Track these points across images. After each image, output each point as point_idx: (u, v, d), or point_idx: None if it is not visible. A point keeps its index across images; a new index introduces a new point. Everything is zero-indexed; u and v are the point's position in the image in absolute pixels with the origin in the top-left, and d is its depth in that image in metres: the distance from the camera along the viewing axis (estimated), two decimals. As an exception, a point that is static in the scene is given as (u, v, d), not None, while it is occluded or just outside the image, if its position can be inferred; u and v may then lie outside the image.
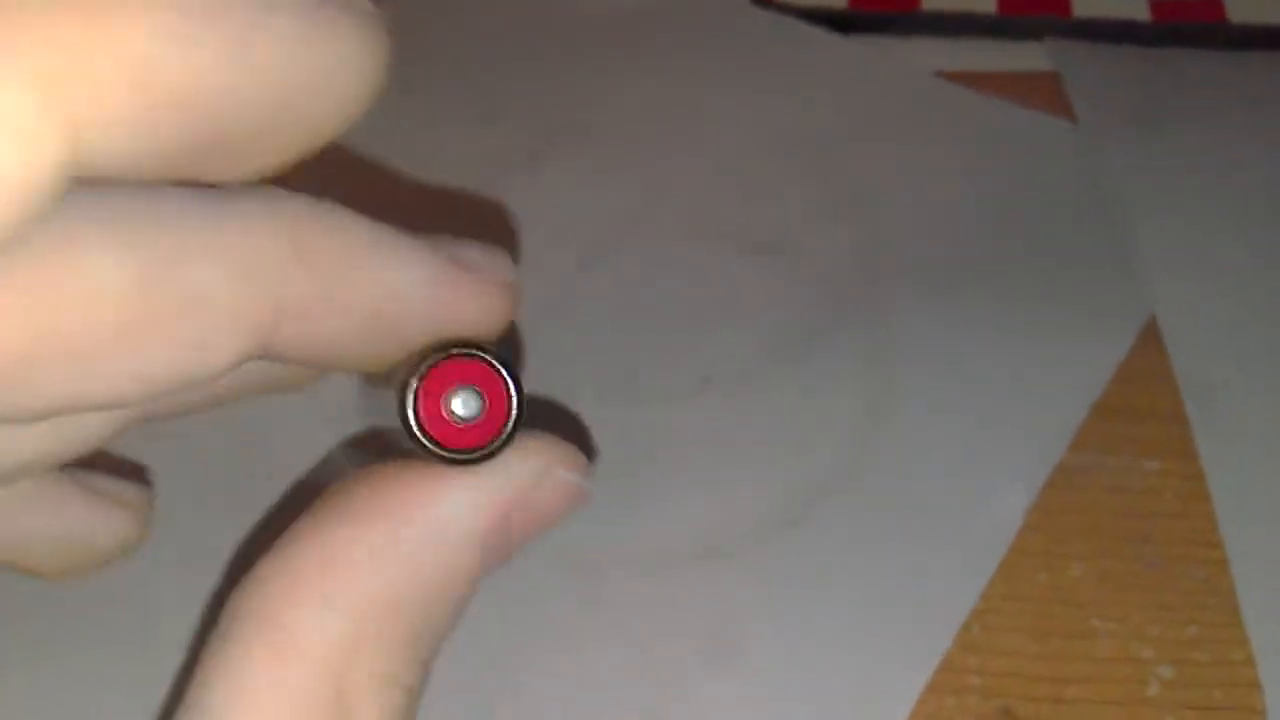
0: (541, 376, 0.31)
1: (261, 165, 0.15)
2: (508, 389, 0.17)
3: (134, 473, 0.27)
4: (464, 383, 0.16)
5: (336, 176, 0.16)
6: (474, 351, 0.17)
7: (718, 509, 0.29)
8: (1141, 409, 0.31)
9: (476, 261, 0.18)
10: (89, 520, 0.23)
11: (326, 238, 0.16)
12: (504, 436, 0.16)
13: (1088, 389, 0.31)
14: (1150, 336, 0.32)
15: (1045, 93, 0.39)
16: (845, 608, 0.27)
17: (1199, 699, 0.26)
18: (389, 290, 0.16)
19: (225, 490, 0.29)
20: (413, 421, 0.16)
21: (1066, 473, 0.29)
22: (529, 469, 0.17)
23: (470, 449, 0.16)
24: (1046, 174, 0.36)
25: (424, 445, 0.16)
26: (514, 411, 0.16)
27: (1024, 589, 0.28)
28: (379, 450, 0.30)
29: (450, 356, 0.16)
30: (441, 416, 0.16)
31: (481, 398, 0.16)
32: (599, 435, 0.30)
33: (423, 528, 0.16)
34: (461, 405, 0.16)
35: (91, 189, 0.13)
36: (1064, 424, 0.30)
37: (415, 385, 0.16)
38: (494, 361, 0.17)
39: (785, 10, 0.41)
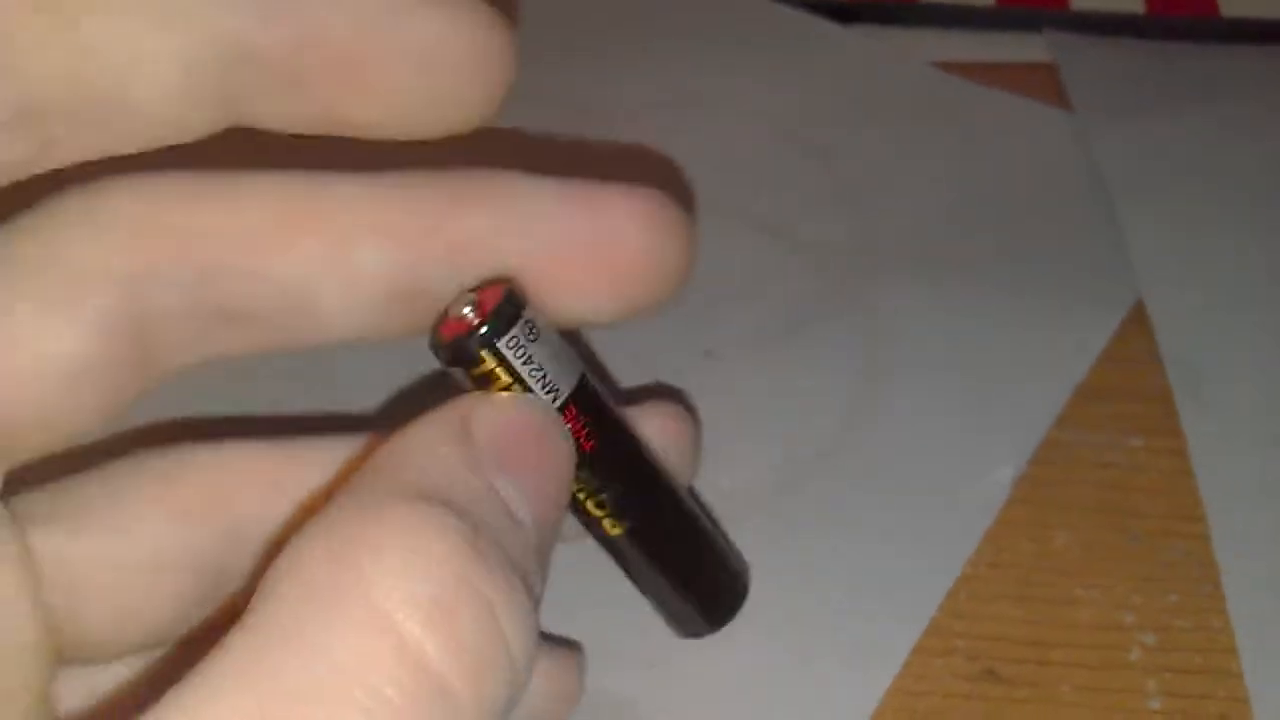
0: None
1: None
2: (504, 293, 0.17)
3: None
4: (469, 294, 0.17)
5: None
6: (498, 278, 0.17)
7: (716, 477, 0.30)
8: (1127, 389, 0.32)
9: (626, 189, 0.18)
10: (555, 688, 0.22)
11: (477, 180, 0.17)
12: (479, 324, 0.16)
13: (1074, 368, 0.32)
14: (1138, 319, 0.33)
15: (1042, 83, 0.39)
16: (836, 573, 0.28)
17: (1179, 663, 0.27)
18: (533, 218, 0.17)
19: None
20: (433, 330, 0.17)
21: (1053, 448, 0.30)
22: (455, 411, 0.16)
23: (452, 335, 0.17)
24: (1041, 161, 0.37)
25: (430, 344, 0.17)
26: (499, 305, 0.16)
27: (1010, 557, 0.28)
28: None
29: (486, 286, 0.17)
30: (450, 323, 0.17)
31: (476, 301, 0.17)
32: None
33: (396, 462, 0.15)
34: (456, 304, 0.17)
35: None
36: (1051, 401, 0.31)
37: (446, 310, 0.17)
38: (510, 284, 0.17)
39: (788, 0, 0.42)
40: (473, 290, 0.17)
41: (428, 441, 0.15)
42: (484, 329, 0.16)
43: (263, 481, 0.19)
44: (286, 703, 0.12)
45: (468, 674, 0.13)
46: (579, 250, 0.18)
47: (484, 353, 0.17)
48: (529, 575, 0.15)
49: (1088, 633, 0.27)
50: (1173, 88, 0.39)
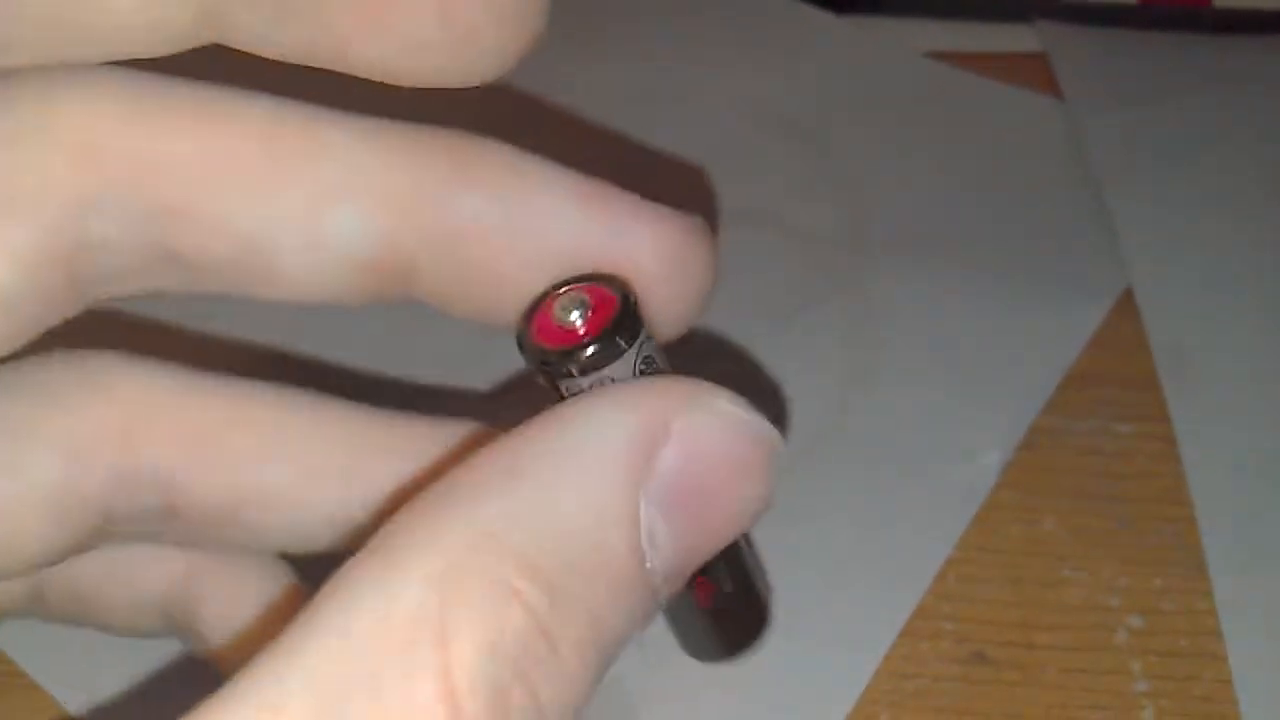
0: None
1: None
2: (621, 300, 0.14)
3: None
4: (577, 294, 0.15)
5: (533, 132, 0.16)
6: (599, 275, 0.15)
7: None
8: (1116, 375, 0.32)
9: (655, 208, 0.15)
10: None
11: (489, 156, 0.15)
12: (602, 334, 0.14)
13: (1064, 354, 0.32)
14: (1126, 306, 0.33)
15: (1033, 73, 0.40)
16: (826, 557, 0.28)
17: (1165, 646, 0.27)
18: (548, 215, 0.15)
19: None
20: (522, 330, 0.15)
21: (1042, 434, 0.31)
22: (668, 392, 0.13)
23: (564, 345, 0.14)
24: (1031, 150, 0.37)
25: (521, 345, 0.15)
26: (620, 311, 0.14)
27: (998, 541, 0.29)
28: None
29: (577, 281, 0.15)
30: (551, 327, 0.15)
31: (587, 305, 0.15)
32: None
33: (542, 449, 0.13)
34: (563, 308, 0.14)
35: None
36: (1040, 387, 0.31)
37: (535, 302, 0.15)
38: (615, 282, 0.15)
39: (781, -11, 0.42)
40: (565, 286, 0.15)
41: (585, 458, 0.13)
42: (615, 341, 0.14)
43: (182, 431, 0.17)
44: None
45: None
46: (590, 263, 0.15)
47: (613, 366, 0.14)
48: (606, 649, 0.13)
49: (1075, 615, 0.28)
50: (1163, 78, 0.39)
